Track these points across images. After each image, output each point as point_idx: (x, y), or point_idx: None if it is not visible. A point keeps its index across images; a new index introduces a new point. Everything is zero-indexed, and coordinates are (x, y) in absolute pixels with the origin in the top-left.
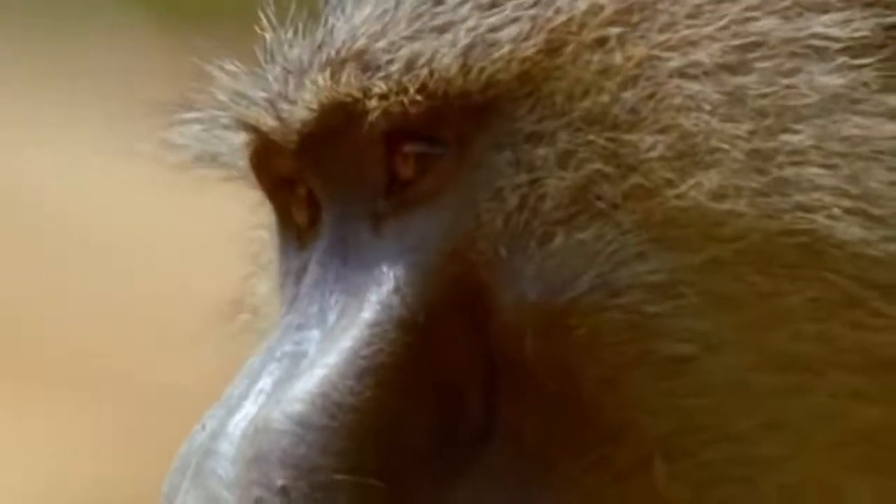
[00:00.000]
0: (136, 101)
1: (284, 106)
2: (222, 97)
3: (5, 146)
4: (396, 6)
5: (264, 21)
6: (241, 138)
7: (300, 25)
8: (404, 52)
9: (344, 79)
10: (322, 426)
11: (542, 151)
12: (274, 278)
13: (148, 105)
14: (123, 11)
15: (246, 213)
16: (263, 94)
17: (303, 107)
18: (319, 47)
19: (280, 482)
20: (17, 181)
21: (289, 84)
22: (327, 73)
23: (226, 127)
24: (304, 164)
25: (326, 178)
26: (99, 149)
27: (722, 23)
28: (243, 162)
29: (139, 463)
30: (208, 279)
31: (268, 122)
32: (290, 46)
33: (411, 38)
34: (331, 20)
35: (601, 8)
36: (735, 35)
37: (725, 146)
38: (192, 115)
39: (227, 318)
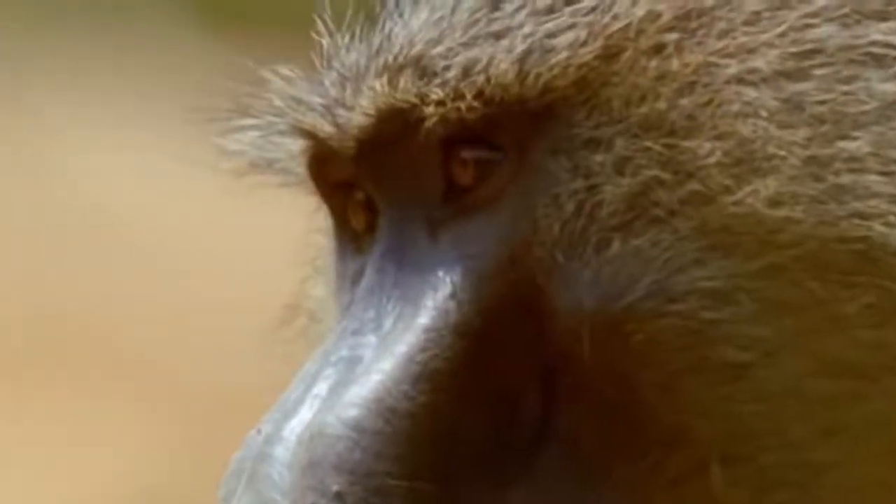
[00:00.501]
0: (192, 108)
1: (342, 112)
2: (279, 103)
3: (63, 151)
4: (453, 11)
5: (320, 26)
6: (297, 144)
7: (357, 30)
8: (461, 59)
9: (401, 85)
10: (377, 431)
11: (599, 157)
12: (331, 283)
13: (204, 111)
14: (176, 19)
15: (302, 219)
16: (320, 100)
17: (360, 113)
18: (377, 52)
19: (335, 487)
20: (75, 186)
21: (346, 90)
22: (384, 79)
23: (282, 133)
24: (362, 169)
25: (384, 183)
26: (155, 153)
27: (780, 29)
28: (300, 167)
29: (193, 468)
30: (264, 284)
31: (325, 128)
32: (347, 51)
33: (468, 44)
34: (388, 25)
35: (659, 14)
36: (793, 42)
37: (783, 153)
38: (249, 121)
39: (283, 323)
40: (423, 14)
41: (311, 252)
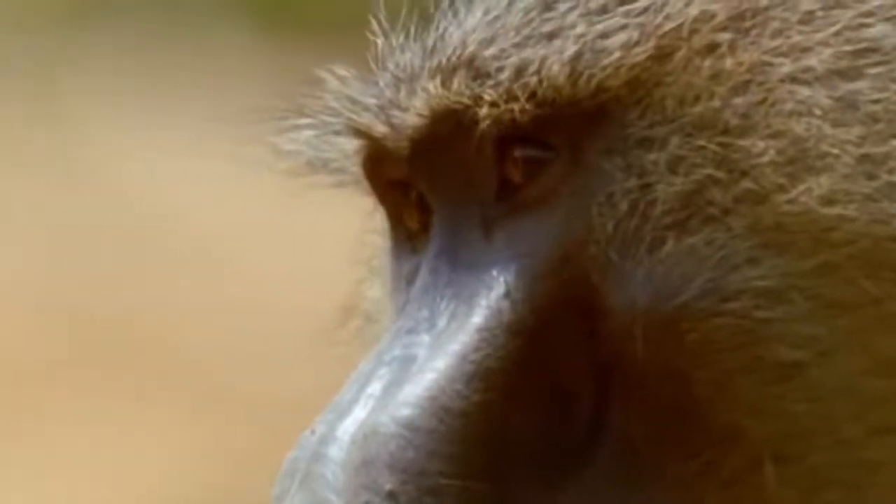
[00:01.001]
0: (244, 109)
1: (396, 113)
2: (334, 103)
3: (105, 154)
4: (506, 12)
5: (375, 26)
6: (352, 144)
7: (411, 30)
8: (514, 60)
9: (454, 86)
10: (430, 430)
11: (652, 157)
12: (386, 283)
13: (258, 112)
14: (221, 19)
15: (355, 220)
16: (374, 101)
17: (414, 113)
18: (430, 53)
19: (388, 486)
20: (119, 189)
21: (400, 90)
22: (438, 80)
23: (337, 133)
24: (416, 169)
25: (437, 183)
26: (202, 155)
27: (834, 28)
28: (355, 167)
29: (246, 474)
30: (315, 286)
31: (379, 128)
32: (402, 52)
33: (521, 45)
34: (442, 25)
35: (713, 14)
36: (848, 41)
37: (836, 151)
38: (304, 121)
39: (339, 324)
40: (478, 14)
41: (367, 253)
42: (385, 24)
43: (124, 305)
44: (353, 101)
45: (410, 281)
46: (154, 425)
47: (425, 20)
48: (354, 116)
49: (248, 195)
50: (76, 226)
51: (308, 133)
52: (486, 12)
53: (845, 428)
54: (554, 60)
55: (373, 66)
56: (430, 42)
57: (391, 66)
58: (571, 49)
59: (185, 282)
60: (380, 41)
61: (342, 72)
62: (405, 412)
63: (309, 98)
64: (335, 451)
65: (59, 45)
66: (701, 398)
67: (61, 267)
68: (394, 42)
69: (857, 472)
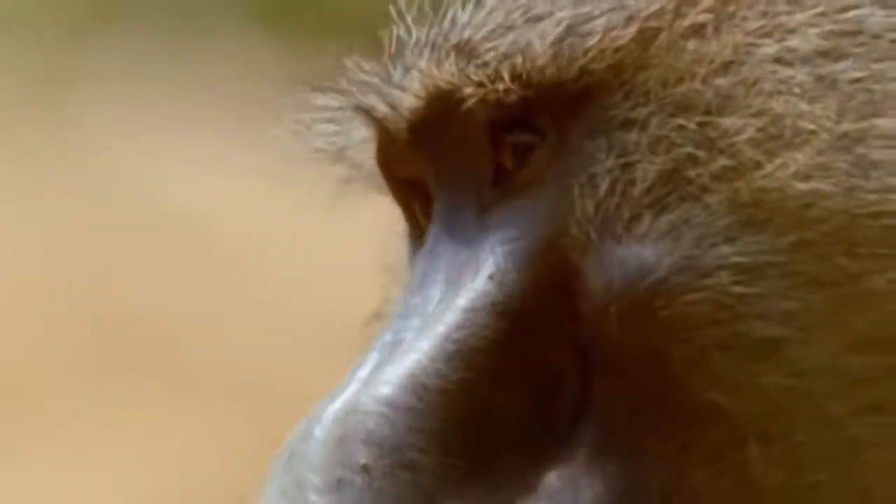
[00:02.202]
0: (264, 113)
1: (395, 92)
2: (348, 86)
3: (128, 160)
4: None
5: (394, 14)
6: (364, 132)
7: (420, 17)
8: (501, 42)
9: (445, 66)
10: (408, 407)
11: (633, 137)
12: (404, 283)
13: (274, 114)
14: (240, 27)
15: (373, 224)
16: (378, 81)
17: (410, 94)
18: (429, 36)
19: (362, 461)
20: (138, 194)
21: (398, 70)
22: (432, 61)
23: (350, 119)
24: (416, 153)
25: (436, 168)
26: (222, 161)
27: (819, 10)
28: (368, 159)
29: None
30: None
31: (381, 108)
32: (409, 36)
33: (508, 28)
34: (449, 11)
35: None
36: (833, 22)
37: (813, 127)
38: (325, 101)
39: (365, 329)
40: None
41: (392, 257)
42: (403, 13)
43: (139, 308)
44: (363, 83)
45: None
46: (169, 425)
47: (436, 7)
48: (361, 97)
49: (264, 198)
50: (90, 229)
51: (327, 118)
52: None
53: (828, 406)
54: (538, 43)
55: (385, 52)
56: (434, 26)
57: (399, 49)
58: (555, 31)
59: (200, 284)
60: (394, 28)
61: (357, 59)
62: (384, 390)
63: (330, 83)
64: (318, 431)
65: (73, 51)
66: (678, 376)
67: (78, 271)
68: (403, 28)
69: (843, 451)
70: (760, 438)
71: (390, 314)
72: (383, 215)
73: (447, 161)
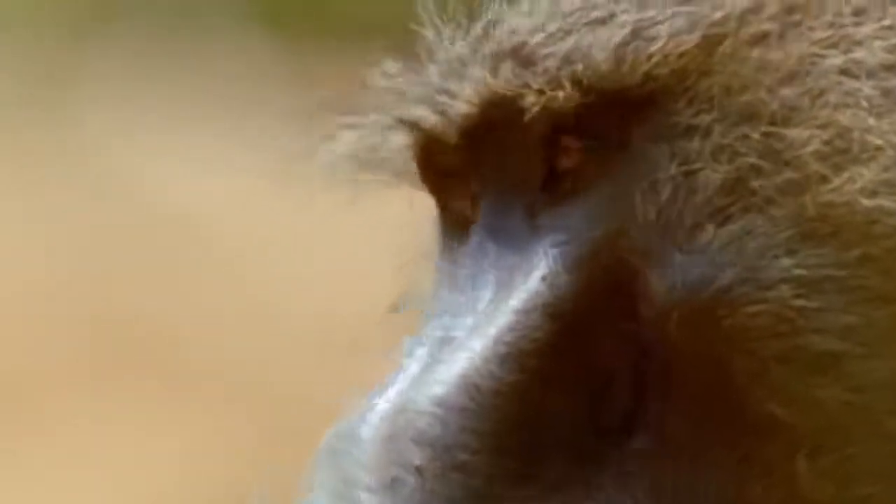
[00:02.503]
0: (263, 113)
1: (446, 100)
2: (383, 98)
3: (127, 160)
4: (555, 0)
5: (423, 18)
6: (403, 139)
7: (460, 22)
8: (561, 47)
9: (502, 74)
10: (461, 407)
11: (696, 144)
12: (435, 272)
13: (276, 116)
14: (240, 28)
15: (372, 223)
16: (423, 91)
17: (463, 101)
18: (479, 41)
19: (416, 461)
20: (138, 194)
21: (449, 79)
22: (487, 68)
23: (388, 128)
24: (465, 157)
25: (485, 170)
26: (222, 161)
27: (886, 22)
28: (403, 161)
29: (260, 474)
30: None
31: (429, 118)
32: (451, 43)
33: (568, 33)
34: (490, 14)
35: (763, 4)
36: None
37: (880, 142)
38: (353, 119)
39: (386, 318)
40: (527, 2)
41: (418, 243)
42: (434, 17)
43: (139, 308)
44: (402, 95)
45: (456, 267)
46: (169, 425)
47: (474, 11)
48: (404, 110)
49: (264, 198)
50: (90, 229)
51: (357, 132)
52: (536, 1)
53: (884, 421)
54: (600, 48)
55: (422, 59)
56: (479, 31)
57: (441, 56)
58: (618, 36)
59: (199, 284)
60: (429, 34)
61: (390, 67)
62: (436, 390)
63: (358, 96)
64: (364, 429)
65: (72, 51)
66: (739, 386)
67: (78, 270)
68: (443, 34)
69: (894, 465)
70: (812, 451)
71: (432, 309)
72: (385, 214)
73: (498, 164)
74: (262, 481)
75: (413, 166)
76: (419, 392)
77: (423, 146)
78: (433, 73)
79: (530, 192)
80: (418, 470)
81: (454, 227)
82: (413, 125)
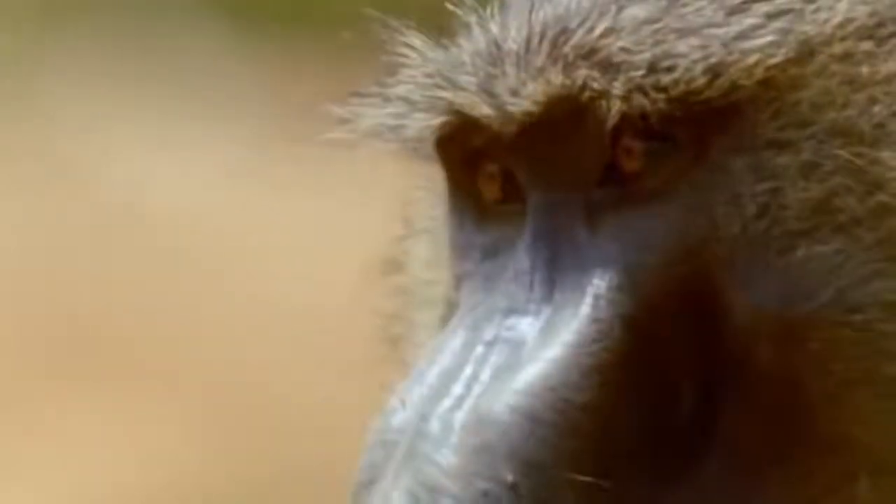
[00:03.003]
0: (235, 107)
1: (506, 97)
2: (425, 80)
3: (92, 153)
4: (630, 1)
5: (472, 8)
6: (432, 119)
7: (514, 2)
8: (647, 55)
9: (580, 77)
10: (551, 422)
11: (783, 160)
12: (440, 247)
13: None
14: (206, 21)
15: (338, 215)
16: (474, 80)
17: (528, 99)
18: (544, 33)
19: (510, 477)
20: (104, 188)
21: (509, 73)
22: (560, 68)
23: (423, 109)
24: (518, 152)
25: (539, 167)
26: (189, 154)
27: None
28: (424, 139)
29: (231, 467)
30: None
31: (483, 110)
32: (503, 28)
33: (654, 40)
34: (547, 2)
35: (855, 21)
36: None
37: None
38: (388, 95)
39: (379, 279)
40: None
41: (411, 211)
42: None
43: (106, 302)
44: (447, 79)
45: (488, 254)
46: (141, 425)
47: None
48: (450, 96)
49: (237, 193)
50: (56, 224)
51: (388, 109)
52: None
53: None
54: (691, 58)
55: (461, 39)
56: (540, 19)
57: (485, 40)
58: (709, 47)
59: (168, 279)
60: (468, 14)
61: (421, 45)
62: (523, 401)
63: (393, 73)
64: (441, 433)
65: (37, 44)
66: (814, 406)
67: (46, 266)
68: (489, 15)
69: None
70: (875, 471)
71: (467, 302)
72: (362, 209)
73: (555, 160)
74: (232, 474)
75: (433, 145)
76: (502, 401)
77: (457, 129)
78: (484, 60)
79: (588, 191)
80: (514, 487)
81: (472, 207)
82: (461, 114)
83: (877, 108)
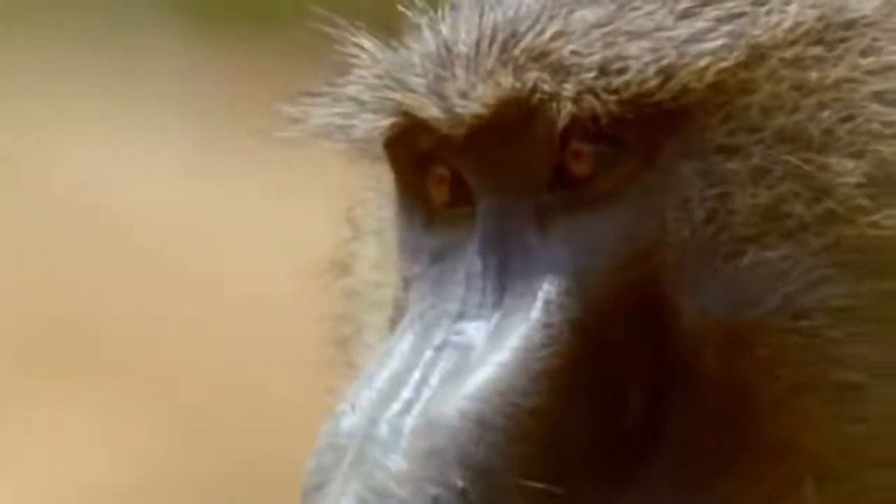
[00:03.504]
0: (183, 105)
1: (455, 99)
2: (374, 80)
3: (53, 154)
4: (577, 3)
5: (427, 11)
6: (380, 120)
7: (463, 4)
8: (597, 58)
9: (531, 80)
10: (500, 427)
11: (733, 165)
12: (388, 248)
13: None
14: (167, 23)
15: (297, 213)
16: (423, 82)
17: (477, 101)
18: (494, 35)
19: (460, 483)
20: (65, 189)
21: (458, 75)
22: (511, 71)
23: (372, 111)
24: (467, 155)
25: (489, 170)
26: (149, 154)
27: None
28: (372, 140)
29: (187, 463)
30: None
31: (431, 111)
32: (453, 29)
33: (604, 42)
34: (520, 19)
35: (805, 26)
36: None
37: None
38: (335, 97)
39: (328, 282)
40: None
41: (358, 213)
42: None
43: (68, 301)
44: (398, 81)
45: (438, 258)
46: (107, 419)
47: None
48: (400, 97)
49: (183, 189)
50: (18, 225)
51: (334, 108)
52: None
53: (892, 451)
54: (643, 60)
55: (410, 41)
56: (489, 22)
57: (435, 43)
58: (661, 50)
59: (117, 275)
60: (417, 15)
61: (371, 45)
62: (472, 406)
63: (342, 75)
64: (390, 437)
65: None
66: (761, 412)
67: (4, 265)
68: (440, 17)
69: (894, 495)
70: (820, 478)
71: (416, 306)
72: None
73: (504, 163)
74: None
75: (382, 146)
76: (451, 405)
77: (407, 130)
78: (434, 62)
79: (537, 192)
80: (463, 493)
81: (421, 209)
82: (410, 116)
83: (826, 114)
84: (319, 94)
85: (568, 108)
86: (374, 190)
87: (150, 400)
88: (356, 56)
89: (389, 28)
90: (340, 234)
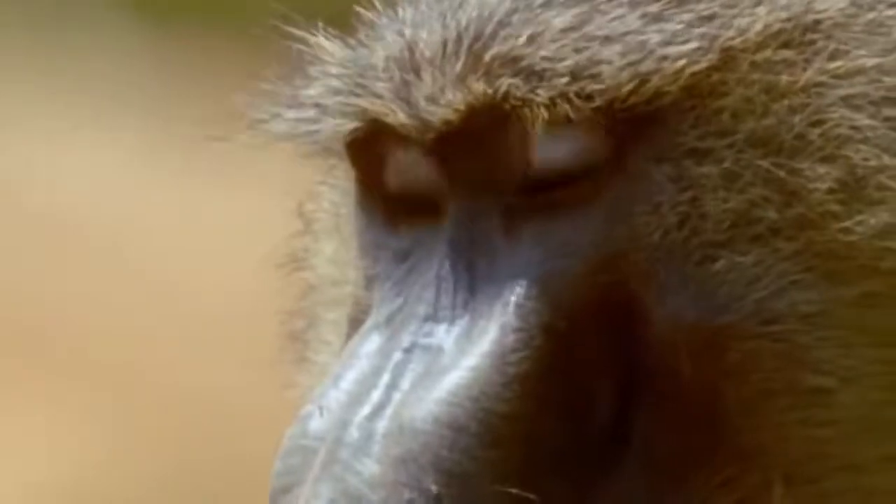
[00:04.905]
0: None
1: (423, 105)
2: (337, 83)
3: (8, 150)
4: (547, 8)
5: (391, 13)
6: (348, 125)
7: (424, 4)
8: (569, 63)
9: (503, 86)
10: (473, 432)
11: (704, 169)
12: (347, 246)
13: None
14: (119, 20)
15: (254, 209)
16: (391, 87)
17: (447, 107)
18: (460, 38)
19: (434, 488)
20: (14, 185)
21: (425, 80)
22: (481, 77)
23: (334, 114)
24: (435, 159)
25: (457, 174)
26: (99, 151)
27: (894, 56)
28: (336, 142)
29: (145, 462)
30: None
31: (398, 117)
32: (416, 28)
33: (576, 46)
34: (463, 4)
35: (776, 30)
36: None
37: (892, 184)
38: (292, 96)
39: (283, 278)
40: (508, 2)
41: (311, 210)
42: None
43: (13, 300)
44: (361, 87)
45: (402, 258)
46: (45, 418)
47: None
48: (365, 104)
49: (136, 185)
50: None
51: (300, 114)
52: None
53: (860, 454)
54: (616, 65)
55: (368, 41)
56: (453, 23)
57: (398, 44)
58: (632, 54)
59: (69, 272)
60: (373, 11)
61: (331, 46)
62: (446, 411)
63: (304, 75)
64: (362, 441)
65: None
66: (731, 416)
67: None
68: (395, 15)
69: (868, 498)
70: (788, 481)
71: (381, 307)
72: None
73: (472, 167)
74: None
75: (343, 146)
76: (421, 409)
77: (369, 134)
78: (398, 65)
79: (506, 198)
80: (437, 498)
81: (381, 208)
82: (376, 122)
83: (796, 118)
84: (280, 97)
85: (541, 115)
86: (327, 184)
87: (94, 399)
88: (317, 56)
89: (350, 25)
90: (293, 229)
